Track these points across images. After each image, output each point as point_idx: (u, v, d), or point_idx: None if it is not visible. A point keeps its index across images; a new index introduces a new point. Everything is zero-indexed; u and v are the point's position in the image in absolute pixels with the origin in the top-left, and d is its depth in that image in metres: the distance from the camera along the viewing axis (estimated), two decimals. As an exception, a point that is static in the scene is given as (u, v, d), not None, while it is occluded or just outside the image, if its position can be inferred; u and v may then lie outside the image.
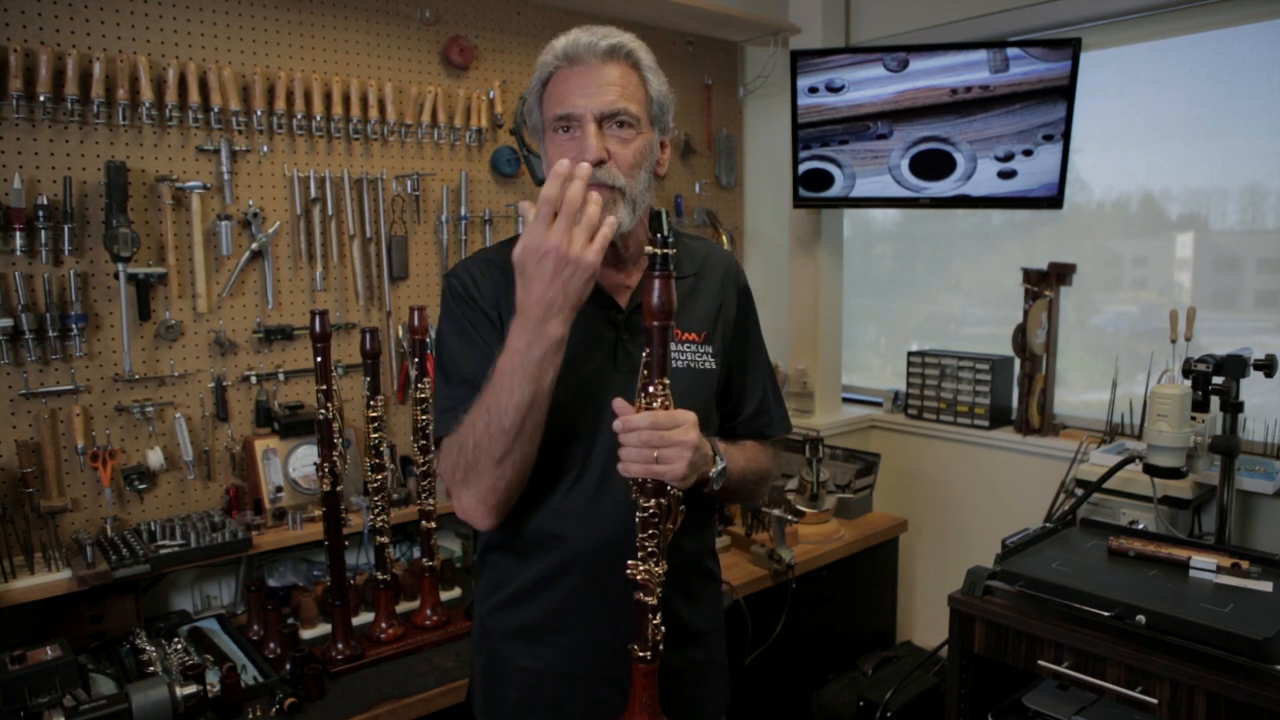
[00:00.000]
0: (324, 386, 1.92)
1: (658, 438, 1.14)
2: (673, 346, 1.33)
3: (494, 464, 1.18)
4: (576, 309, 1.14)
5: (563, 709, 1.32)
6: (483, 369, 1.21)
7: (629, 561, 1.18)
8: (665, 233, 1.12)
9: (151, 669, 1.78)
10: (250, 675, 1.84)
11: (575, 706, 1.31)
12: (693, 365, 1.35)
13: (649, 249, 1.13)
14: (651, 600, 1.18)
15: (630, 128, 1.24)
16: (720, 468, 1.26)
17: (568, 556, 1.29)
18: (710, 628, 1.44)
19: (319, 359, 1.92)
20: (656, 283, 1.12)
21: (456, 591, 2.31)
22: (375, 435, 2.05)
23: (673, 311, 1.13)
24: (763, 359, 1.48)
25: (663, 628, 1.20)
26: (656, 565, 1.19)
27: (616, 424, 1.15)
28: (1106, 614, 1.76)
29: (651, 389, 1.15)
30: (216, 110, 2.12)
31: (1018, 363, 2.92)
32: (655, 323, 1.13)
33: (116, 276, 2.00)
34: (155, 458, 2.08)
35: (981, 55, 2.63)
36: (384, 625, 2.04)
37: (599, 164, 1.21)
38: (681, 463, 1.14)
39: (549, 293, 1.11)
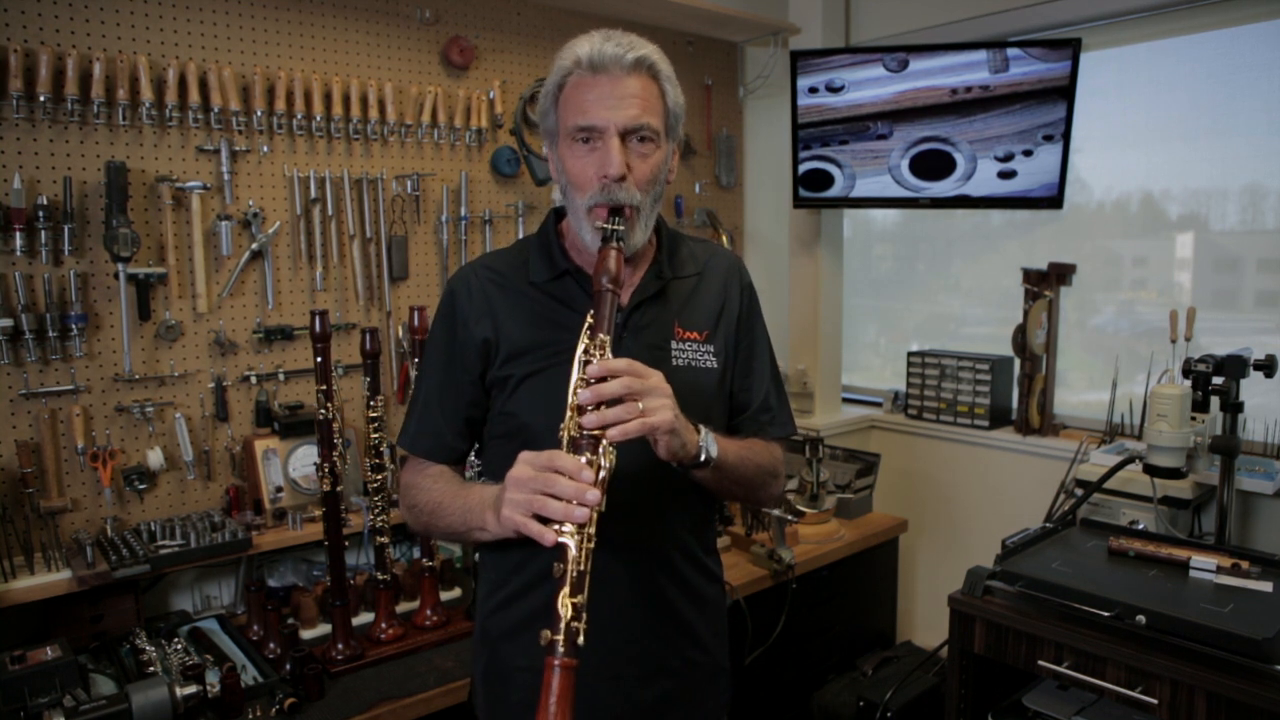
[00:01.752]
0: (324, 386, 1.92)
1: (638, 384, 1.10)
2: (674, 345, 1.34)
3: (423, 527, 1.36)
4: None
5: None
6: (449, 403, 1.36)
7: (554, 526, 1.05)
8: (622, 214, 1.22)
9: (151, 669, 1.78)
10: (250, 675, 1.84)
11: (578, 705, 1.31)
12: (694, 364, 1.35)
13: (599, 224, 1.21)
14: (571, 570, 1.03)
15: (651, 142, 1.25)
16: (705, 434, 1.20)
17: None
18: (711, 629, 1.43)
19: (319, 359, 1.92)
20: (611, 253, 1.17)
21: (456, 592, 2.31)
22: (375, 435, 2.05)
23: (619, 280, 1.16)
24: (767, 358, 1.46)
25: (585, 614, 1.03)
26: (590, 531, 1.05)
27: (593, 368, 1.09)
28: (1106, 614, 1.76)
29: (594, 349, 1.12)
30: (216, 110, 2.12)
31: (1018, 363, 2.92)
32: (604, 288, 1.15)
33: (116, 276, 2.00)
34: (155, 458, 2.08)
35: (981, 55, 2.63)
36: (384, 625, 2.04)
37: (620, 179, 1.22)
38: (668, 411, 1.11)
39: (502, 509, 1.11)
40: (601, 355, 1.12)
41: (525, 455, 1.10)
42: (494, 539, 1.20)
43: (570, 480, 1.05)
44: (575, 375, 1.12)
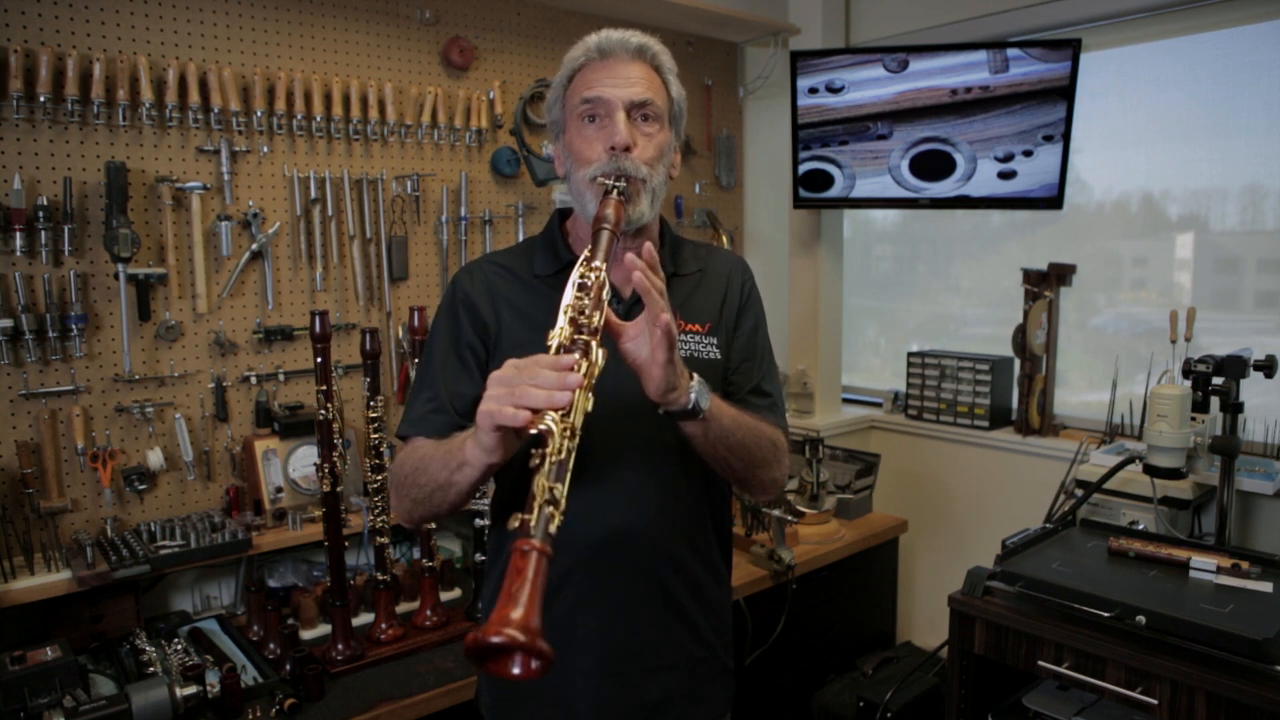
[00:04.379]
0: (324, 387, 1.92)
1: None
2: (678, 337, 1.33)
3: (409, 500, 1.26)
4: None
5: (570, 705, 1.32)
6: (451, 384, 1.33)
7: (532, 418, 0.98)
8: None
9: (151, 669, 1.78)
10: (250, 676, 1.84)
11: (583, 704, 1.32)
12: (697, 355, 1.36)
13: (602, 179, 1.24)
14: (550, 458, 0.94)
15: (655, 121, 1.30)
16: (698, 382, 1.16)
17: (574, 551, 1.28)
18: (715, 626, 1.44)
19: (319, 359, 1.92)
20: (611, 201, 1.20)
21: (456, 592, 2.31)
22: (375, 435, 2.05)
23: (618, 225, 1.18)
24: (767, 353, 1.47)
25: (563, 503, 0.93)
26: (575, 423, 0.99)
27: (646, 253, 1.08)
28: (1106, 614, 1.76)
29: (588, 272, 1.10)
30: (216, 111, 2.12)
31: (1018, 363, 2.92)
32: (602, 227, 1.16)
33: (116, 277, 2.00)
34: (155, 458, 2.08)
35: (981, 56, 2.63)
36: (384, 626, 2.04)
37: (626, 150, 1.25)
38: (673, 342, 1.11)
39: (480, 407, 1.05)
40: (597, 277, 1.09)
41: (510, 360, 1.03)
42: (477, 474, 1.11)
43: (552, 370, 0.99)
44: (571, 290, 1.08)
